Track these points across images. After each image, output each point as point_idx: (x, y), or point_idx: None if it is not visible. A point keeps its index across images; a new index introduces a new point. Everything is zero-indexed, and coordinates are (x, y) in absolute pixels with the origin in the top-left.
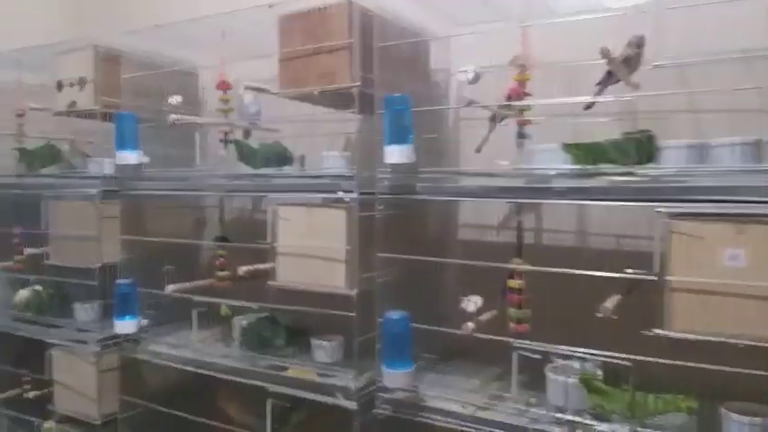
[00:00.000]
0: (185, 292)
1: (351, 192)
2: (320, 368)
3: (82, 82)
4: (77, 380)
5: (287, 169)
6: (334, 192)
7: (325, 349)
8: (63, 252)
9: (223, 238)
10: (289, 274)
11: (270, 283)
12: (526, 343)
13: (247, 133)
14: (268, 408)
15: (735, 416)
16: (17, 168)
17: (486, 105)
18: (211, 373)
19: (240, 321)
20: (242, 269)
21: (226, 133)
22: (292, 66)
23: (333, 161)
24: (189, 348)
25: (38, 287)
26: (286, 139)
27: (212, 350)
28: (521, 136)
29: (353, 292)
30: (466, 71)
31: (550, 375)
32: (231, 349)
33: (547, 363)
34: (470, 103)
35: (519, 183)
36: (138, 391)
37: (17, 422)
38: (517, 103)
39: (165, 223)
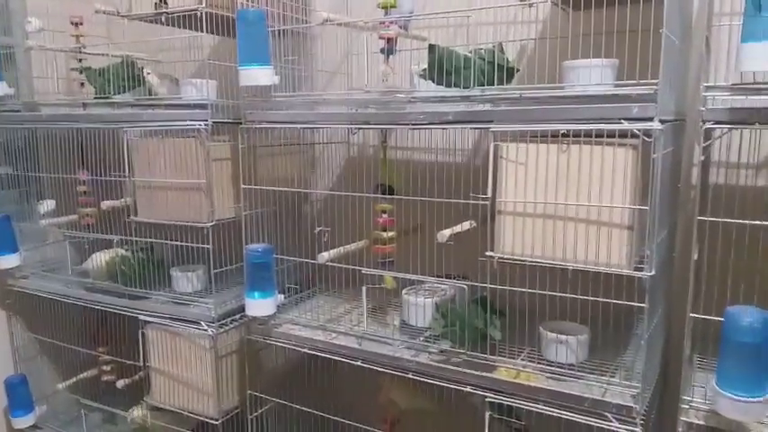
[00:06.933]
0: (339, 260)
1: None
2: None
3: None
4: (185, 368)
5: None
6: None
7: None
8: (156, 205)
9: (388, 189)
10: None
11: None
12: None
13: (392, 42)
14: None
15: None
16: (78, 95)
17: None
18: (387, 371)
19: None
20: (444, 233)
21: (389, 40)
22: None
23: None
24: (346, 333)
25: (121, 250)
26: None
27: (380, 336)
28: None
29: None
30: None
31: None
32: (408, 338)
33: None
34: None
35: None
36: (265, 379)
37: (101, 414)
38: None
39: (281, 167)
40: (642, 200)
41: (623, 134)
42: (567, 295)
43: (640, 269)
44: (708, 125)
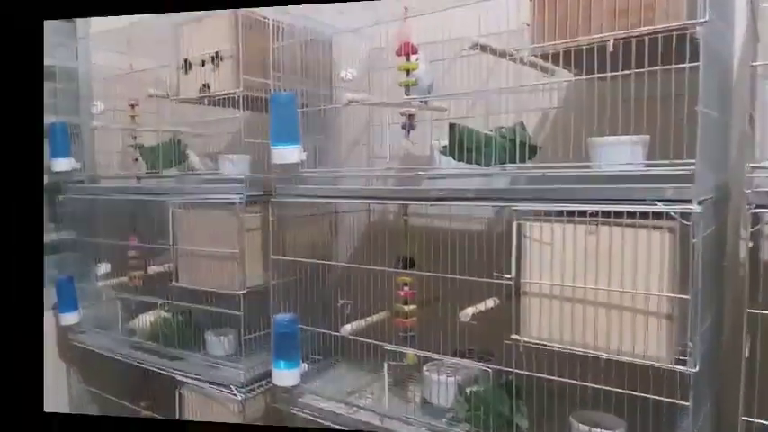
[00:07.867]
0: (361, 331)
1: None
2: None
3: (218, 58)
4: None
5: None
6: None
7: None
8: (194, 272)
9: (409, 262)
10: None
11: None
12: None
13: (412, 118)
14: None
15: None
16: (129, 169)
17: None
18: None
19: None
20: (467, 312)
21: (410, 116)
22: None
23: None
24: (367, 409)
25: (164, 312)
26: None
27: (401, 415)
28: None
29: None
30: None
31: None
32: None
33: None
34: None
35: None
36: None
37: None
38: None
39: (306, 234)
40: (682, 285)
41: (658, 215)
42: (600, 386)
43: (682, 362)
44: (755, 209)
